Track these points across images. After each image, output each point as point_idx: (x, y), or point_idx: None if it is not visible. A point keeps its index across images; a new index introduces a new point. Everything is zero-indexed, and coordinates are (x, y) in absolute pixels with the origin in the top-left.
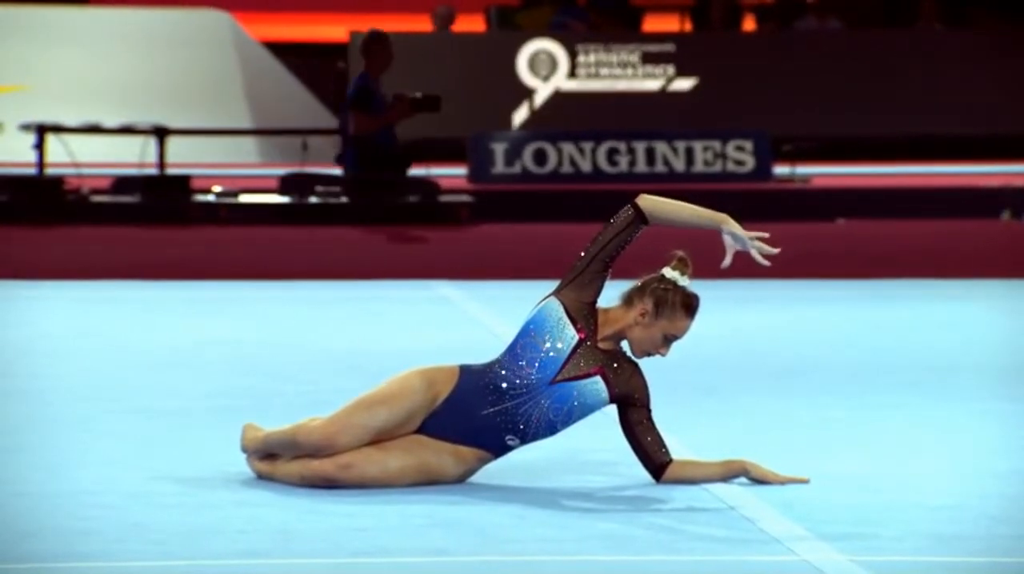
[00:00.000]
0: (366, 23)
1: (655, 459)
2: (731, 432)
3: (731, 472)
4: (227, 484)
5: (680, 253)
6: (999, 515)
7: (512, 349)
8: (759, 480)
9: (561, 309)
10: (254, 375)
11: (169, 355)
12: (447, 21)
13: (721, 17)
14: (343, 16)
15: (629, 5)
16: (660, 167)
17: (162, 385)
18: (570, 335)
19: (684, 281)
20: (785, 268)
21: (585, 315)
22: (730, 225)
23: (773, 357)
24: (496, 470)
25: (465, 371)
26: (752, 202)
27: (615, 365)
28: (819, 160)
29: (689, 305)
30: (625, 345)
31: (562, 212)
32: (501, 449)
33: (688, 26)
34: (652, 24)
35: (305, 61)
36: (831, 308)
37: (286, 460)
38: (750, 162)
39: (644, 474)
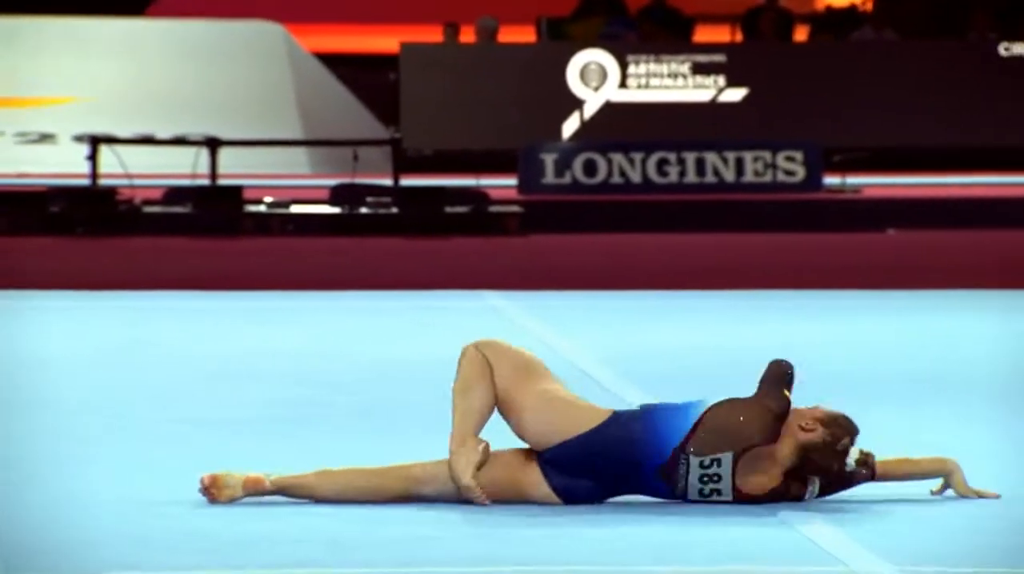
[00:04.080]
0: (416, 35)
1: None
2: None
3: (939, 469)
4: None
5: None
6: None
7: None
8: (954, 487)
9: None
10: (305, 385)
11: (221, 365)
12: (491, 33)
13: (772, 28)
14: (394, 27)
15: (680, 15)
16: (710, 177)
17: (215, 395)
18: None
19: None
20: (835, 278)
21: None
22: (954, 478)
23: (824, 366)
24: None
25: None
26: (802, 212)
27: None
28: (869, 170)
29: None
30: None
31: (612, 222)
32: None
33: (739, 36)
34: (703, 34)
35: (356, 72)
36: (882, 318)
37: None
38: (800, 172)
39: None
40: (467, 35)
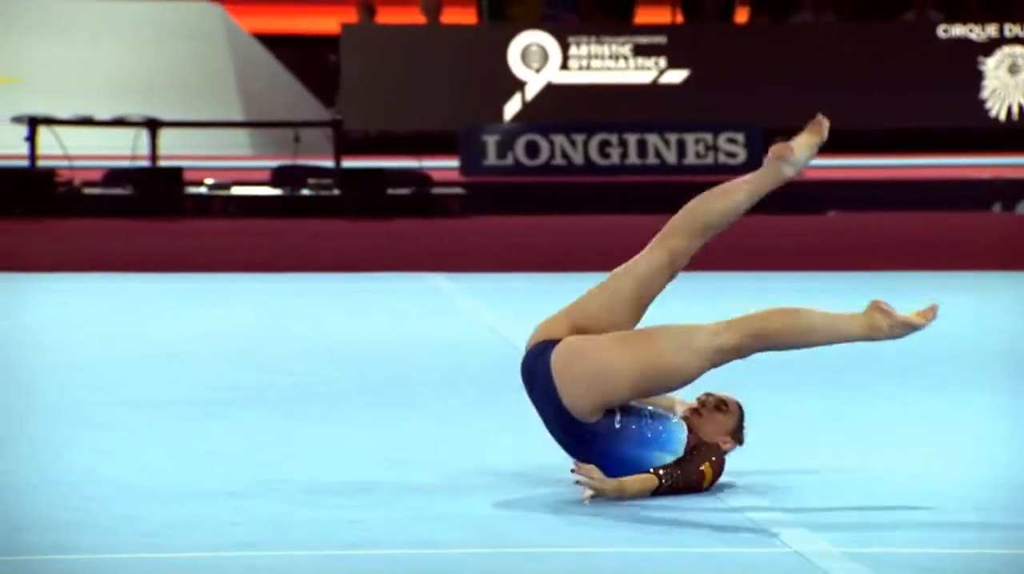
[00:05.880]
0: (357, 15)
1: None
2: None
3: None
4: (217, 475)
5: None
6: (990, 505)
7: None
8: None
9: None
10: (246, 367)
11: (160, 347)
12: (434, 12)
13: (713, 9)
14: (334, 8)
15: None
16: (652, 159)
17: (153, 376)
18: None
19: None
20: (776, 260)
21: None
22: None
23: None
24: (488, 467)
25: None
26: None
27: None
28: None
29: None
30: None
31: (554, 204)
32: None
33: (680, 18)
34: (644, 16)
35: (297, 53)
36: (822, 300)
37: None
38: (742, 154)
39: None
40: (410, 15)
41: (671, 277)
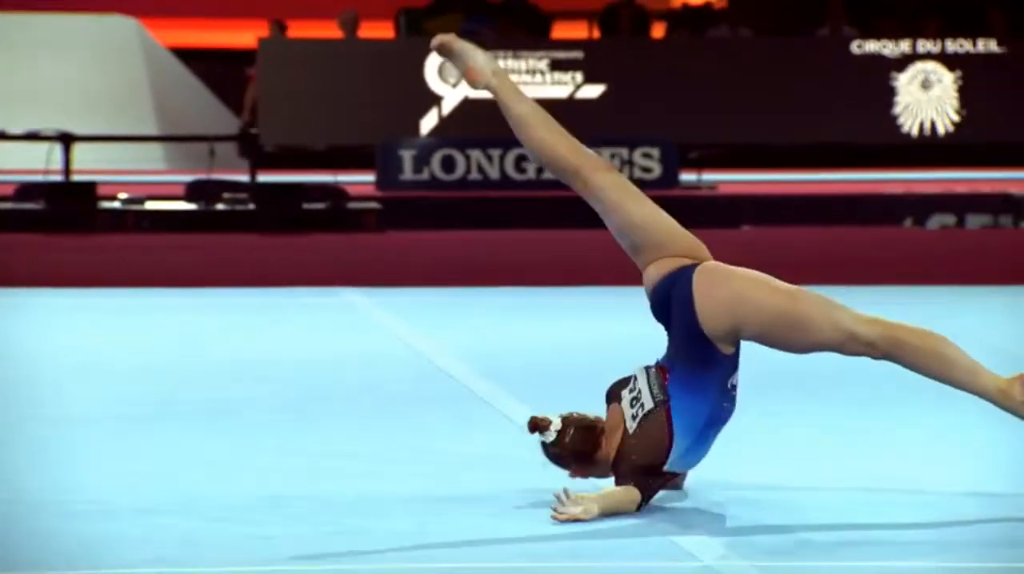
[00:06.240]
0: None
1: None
2: None
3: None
4: (131, 492)
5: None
6: (911, 522)
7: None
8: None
9: None
10: (160, 383)
11: (73, 363)
12: (352, 26)
13: (629, 24)
14: (251, 22)
15: (538, 12)
16: None
17: (66, 393)
18: None
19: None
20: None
21: None
22: None
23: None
24: (404, 481)
25: None
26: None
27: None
28: (725, 167)
29: None
30: None
31: (470, 219)
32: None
33: (597, 33)
34: (561, 31)
35: (213, 67)
36: None
37: None
38: (657, 169)
39: (563, 475)
40: (327, 30)
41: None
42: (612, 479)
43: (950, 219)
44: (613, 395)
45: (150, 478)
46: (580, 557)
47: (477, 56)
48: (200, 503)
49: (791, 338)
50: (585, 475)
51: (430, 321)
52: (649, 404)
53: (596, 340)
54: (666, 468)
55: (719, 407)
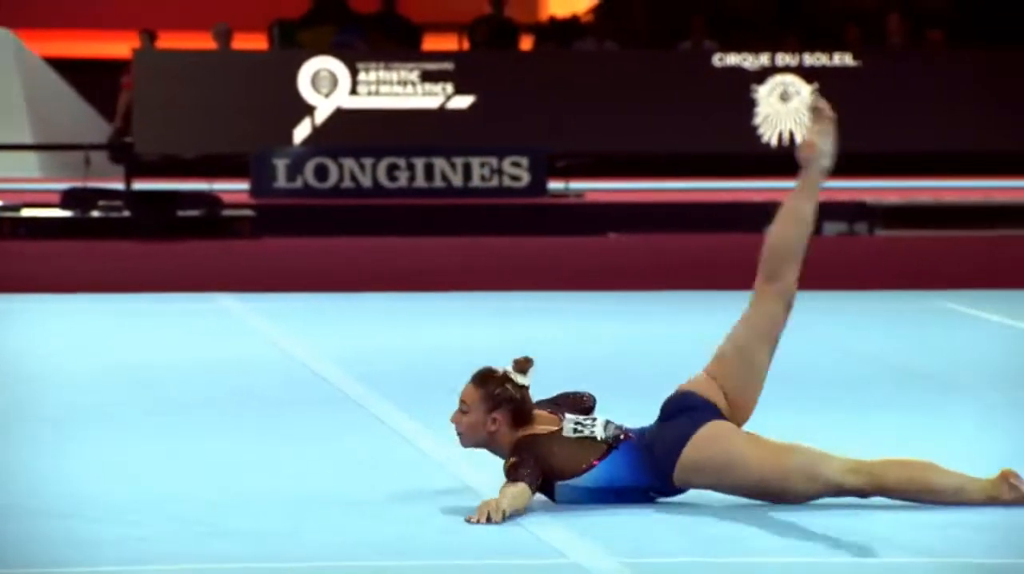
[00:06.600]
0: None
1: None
2: None
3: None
4: (2, 492)
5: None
6: (781, 519)
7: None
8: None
9: None
10: (35, 387)
11: None
12: (225, 38)
13: (498, 37)
14: (126, 33)
15: (409, 24)
16: (439, 182)
17: None
18: None
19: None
20: (559, 280)
21: None
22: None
23: (550, 364)
24: (277, 483)
25: None
26: (528, 216)
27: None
28: (592, 176)
29: None
30: None
31: (343, 226)
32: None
33: (466, 45)
34: (431, 43)
35: (88, 77)
36: (602, 321)
37: None
38: (526, 178)
39: (427, 478)
40: (202, 41)
41: (789, 312)
42: (477, 452)
43: None
44: (555, 404)
45: (22, 480)
46: (450, 554)
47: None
48: (76, 505)
49: (774, 497)
50: (475, 433)
51: (304, 326)
52: (596, 436)
53: (468, 344)
54: (559, 484)
55: (635, 491)
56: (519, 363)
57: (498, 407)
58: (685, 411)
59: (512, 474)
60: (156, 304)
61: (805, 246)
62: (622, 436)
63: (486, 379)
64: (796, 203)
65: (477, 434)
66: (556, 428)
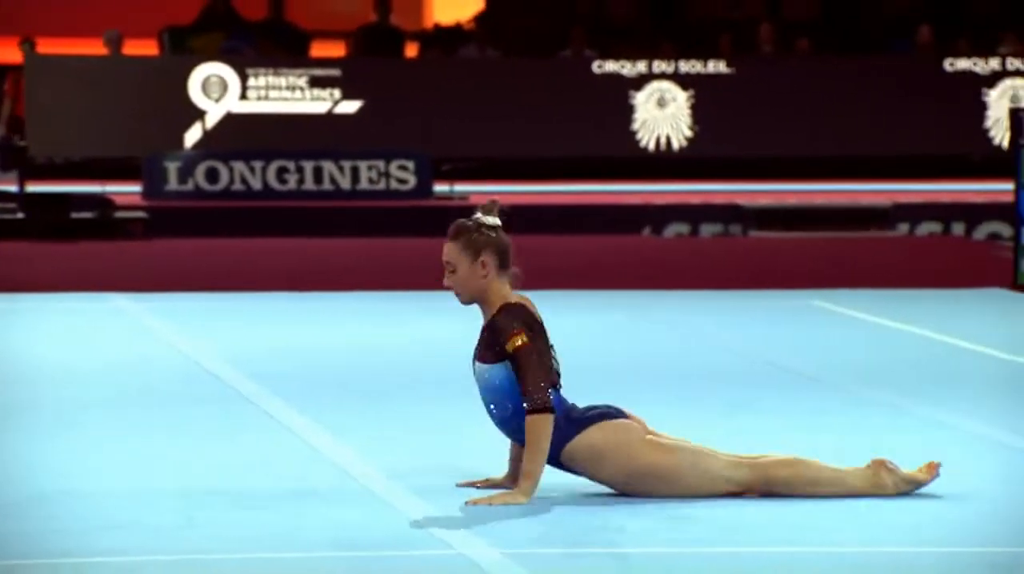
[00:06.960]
0: (41, 46)
1: (526, 401)
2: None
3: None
4: None
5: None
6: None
7: None
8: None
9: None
10: None
11: None
12: (116, 44)
13: (384, 44)
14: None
15: (297, 31)
16: (327, 185)
17: None
18: None
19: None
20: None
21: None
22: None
23: (431, 362)
24: (174, 478)
25: None
26: (414, 218)
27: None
28: (476, 179)
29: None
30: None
31: (233, 227)
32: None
33: (353, 52)
34: (319, 50)
35: None
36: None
37: None
38: (412, 181)
39: (317, 473)
40: (93, 47)
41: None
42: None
43: (685, 228)
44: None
45: None
46: (339, 547)
47: None
48: None
49: (661, 488)
50: (469, 285)
51: (197, 326)
52: (558, 369)
53: (357, 343)
54: (495, 364)
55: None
56: (485, 207)
57: (482, 251)
58: (610, 409)
59: (531, 379)
60: (50, 303)
61: (802, 485)
62: (559, 387)
63: (460, 231)
64: (843, 476)
65: (471, 286)
66: (527, 303)
